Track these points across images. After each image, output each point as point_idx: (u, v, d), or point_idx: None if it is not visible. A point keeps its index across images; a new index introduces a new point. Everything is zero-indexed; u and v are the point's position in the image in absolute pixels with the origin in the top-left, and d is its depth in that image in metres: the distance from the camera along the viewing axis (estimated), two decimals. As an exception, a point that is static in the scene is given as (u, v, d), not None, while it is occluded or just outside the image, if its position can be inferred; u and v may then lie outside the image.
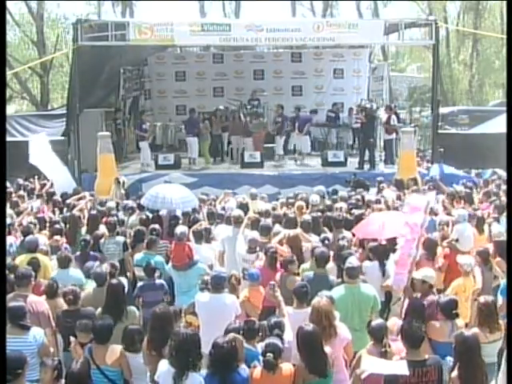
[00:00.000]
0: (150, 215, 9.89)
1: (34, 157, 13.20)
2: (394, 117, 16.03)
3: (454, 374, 4.73)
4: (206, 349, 4.82)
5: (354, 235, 8.42)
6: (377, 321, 5.32)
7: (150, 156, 16.31)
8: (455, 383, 4.72)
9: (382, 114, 16.93)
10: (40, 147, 13.50)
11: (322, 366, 4.75)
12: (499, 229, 8.45)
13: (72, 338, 5.54)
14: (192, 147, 16.42)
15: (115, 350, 5.17)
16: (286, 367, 4.79)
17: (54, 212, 10.66)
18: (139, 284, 7.26)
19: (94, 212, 9.57)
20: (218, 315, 5.90)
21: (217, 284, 6.13)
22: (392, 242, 7.81)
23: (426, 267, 6.82)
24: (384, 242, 7.82)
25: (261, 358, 4.81)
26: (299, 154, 17.04)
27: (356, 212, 9.41)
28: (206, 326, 5.93)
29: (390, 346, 4.98)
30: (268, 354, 4.67)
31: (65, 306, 6.17)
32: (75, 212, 9.59)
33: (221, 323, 5.52)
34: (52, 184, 13.02)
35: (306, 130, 16.79)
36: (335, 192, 12.33)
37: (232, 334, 4.87)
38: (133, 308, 6.37)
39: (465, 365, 4.67)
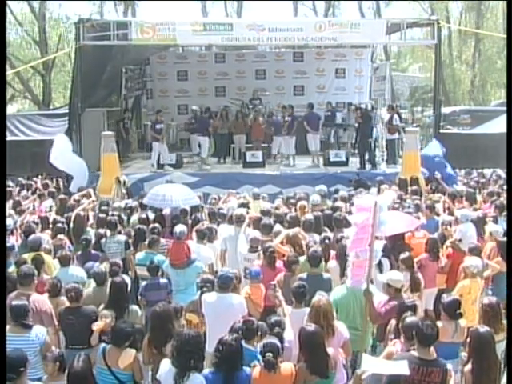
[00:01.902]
0: (152, 214, 9.91)
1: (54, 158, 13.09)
2: (396, 116, 16.00)
3: (467, 368, 4.75)
4: (211, 348, 4.86)
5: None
6: (411, 318, 5.15)
7: (168, 156, 16.12)
8: (468, 378, 4.73)
9: (384, 114, 16.91)
10: (62, 148, 13.41)
11: (324, 366, 4.76)
12: (496, 228, 8.45)
13: (96, 323, 5.57)
14: (203, 146, 16.45)
15: (129, 354, 5.13)
16: (286, 367, 4.80)
17: (60, 211, 10.63)
18: (143, 283, 7.26)
19: (101, 215, 9.56)
20: (224, 315, 5.88)
21: (223, 284, 6.09)
22: (393, 240, 7.85)
23: (399, 272, 6.71)
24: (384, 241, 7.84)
25: (260, 357, 4.81)
26: (314, 153, 16.96)
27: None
28: (212, 325, 5.92)
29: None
30: (268, 354, 4.67)
31: (67, 304, 6.20)
32: (80, 211, 9.59)
33: (227, 323, 5.51)
34: (58, 182, 13.03)
35: (320, 129, 16.83)
36: (336, 191, 12.34)
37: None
38: (135, 307, 6.40)
39: (479, 360, 4.70)
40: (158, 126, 16.10)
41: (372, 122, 16.31)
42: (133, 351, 5.17)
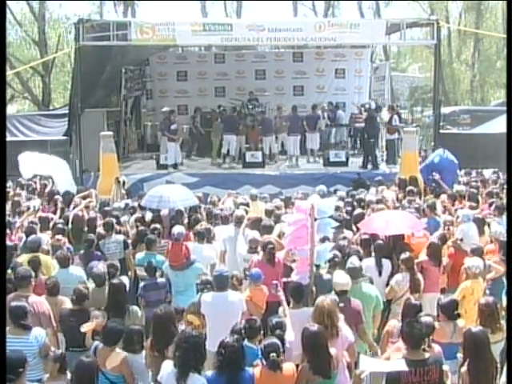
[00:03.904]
0: (150, 215, 9.91)
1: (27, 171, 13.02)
2: (395, 117, 16.02)
3: (464, 369, 4.76)
4: (213, 348, 4.85)
5: (354, 234, 8.45)
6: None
7: (179, 156, 16.24)
8: (465, 378, 4.74)
9: (384, 114, 16.92)
10: (31, 160, 13.29)
11: (326, 366, 4.75)
12: (497, 228, 8.44)
13: (86, 324, 5.57)
14: (232, 145, 16.53)
15: (118, 356, 5.12)
16: (288, 366, 4.81)
17: (55, 212, 10.63)
18: (142, 284, 7.25)
19: (92, 215, 9.57)
20: (223, 313, 5.91)
21: (220, 283, 6.14)
22: (395, 241, 7.84)
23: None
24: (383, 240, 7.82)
25: (261, 357, 4.80)
26: (311, 153, 17.23)
27: (356, 211, 9.41)
28: (212, 324, 5.93)
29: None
30: (271, 354, 4.67)
31: (65, 304, 6.21)
32: (78, 211, 9.60)
33: (227, 321, 5.53)
34: (53, 183, 13.00)
35: (317, 128, 16.94)
36: (334, 192, 12.36)
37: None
38: (135, 307, 6.39)
39: (475, 360, 4.70)
40: (173, 127, 16.12)
41: (377, 122, 16.33)
42: (122, 354, 5.14)
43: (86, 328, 5.56)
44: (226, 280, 6.20)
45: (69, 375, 4.87)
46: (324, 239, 7.13)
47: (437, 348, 5.07)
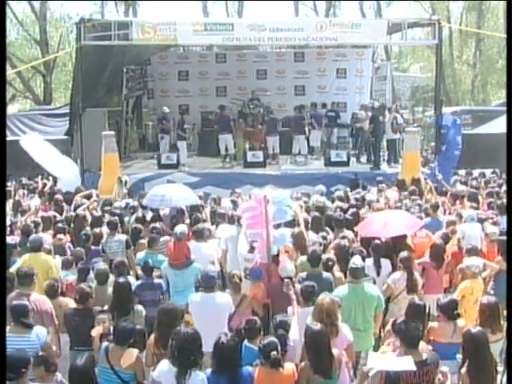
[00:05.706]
0: (151, 214, 9.92)
1: (37, 156, 13.17)
2: (398, 116, 16.04)
3: (463, 370, 4.75)
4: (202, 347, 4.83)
5: (356, 234, 8.45)
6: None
7: (186, 156, 16.51)
8: (465, 379, 4.73)
9: (386, 114, 16.94)
10: (38, 146, 13.47)
11: (328, 366, 4.74)
12: (493, 229, 8.43)
13: (95, 329, 5.57)
14: (229, 144, 16.63)
15: (132, 354, 5.12)
16: (289, 366, 4.82)
17: (56, 211, 10.63)
18: (137, 283, 7.22)
19: (97, 214, 9.57)
20: (209, 314, 5.95)
21: (207, 283, 6.19)
22: (395, 241, 7.83)
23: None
24: (383, 240, 7.81)
25: (260, 356, 4.80)
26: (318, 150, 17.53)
27: (356, 211, 9.40)
28: (198, 325, 5.84)
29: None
30: (272, 353, 4.67)
31: (68, 305, 6.20)
32: (80, 211, 9.59)
33: (213, 322, 5.58)
34: (55, 183, 13.03)
35: (323, 125, 17.29)
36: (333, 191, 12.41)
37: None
38: (140, 307, 6.37)
39: (474, 361, 4.69)
40: (184, 126, 16.80)
41: (380, 122, 16.33)
42: (135, 351, 5.17)
43: (95, 333, 5.57)
44: (212, 280, 6.22)
45: (59, 376, 4.84)
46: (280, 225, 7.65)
47: (428, 347, 5.05)
